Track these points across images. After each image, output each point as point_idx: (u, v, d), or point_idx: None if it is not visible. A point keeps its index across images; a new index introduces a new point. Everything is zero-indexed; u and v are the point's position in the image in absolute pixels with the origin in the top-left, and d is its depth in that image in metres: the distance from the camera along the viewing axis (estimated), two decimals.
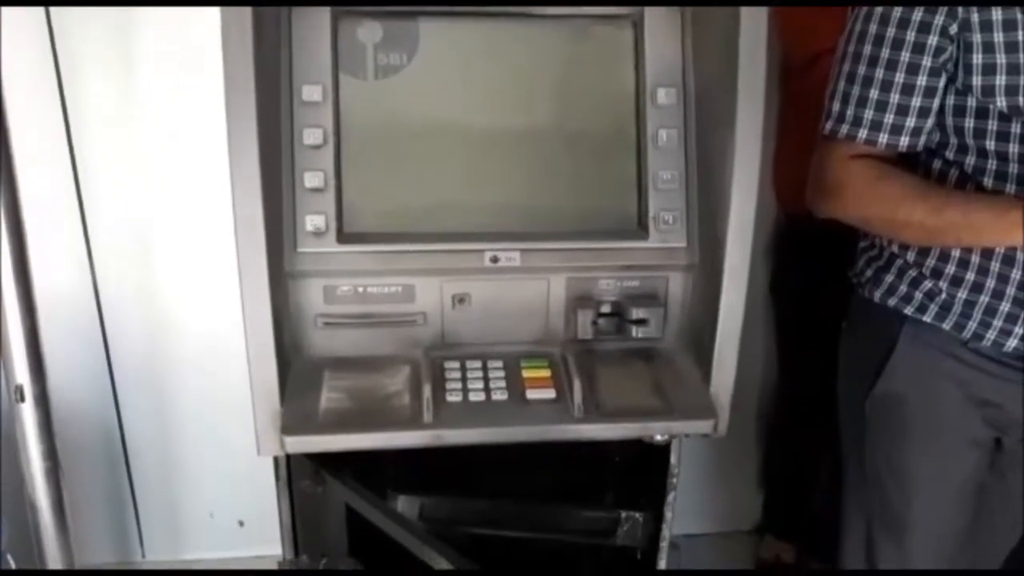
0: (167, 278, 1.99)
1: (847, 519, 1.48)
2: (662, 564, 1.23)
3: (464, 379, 1.03)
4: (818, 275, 1.69)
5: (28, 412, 1.63)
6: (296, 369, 1.03)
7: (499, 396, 1.01)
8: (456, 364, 1.05)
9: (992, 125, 1.11)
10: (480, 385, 1.02)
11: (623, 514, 1.09)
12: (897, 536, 1.38)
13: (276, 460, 1.07)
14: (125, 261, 1.98)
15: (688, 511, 2.22)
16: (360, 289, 1.03)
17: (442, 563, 0.88)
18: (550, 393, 1.02)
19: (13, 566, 1.71)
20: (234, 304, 1.02)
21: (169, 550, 2.19)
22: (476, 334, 1.07)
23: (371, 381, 1.02)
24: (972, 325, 1.20)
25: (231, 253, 1.02)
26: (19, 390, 1.61)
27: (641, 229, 1.06)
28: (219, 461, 2.13)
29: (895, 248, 1.27)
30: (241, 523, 2.17)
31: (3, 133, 1.38)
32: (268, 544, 2.11)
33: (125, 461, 2.14)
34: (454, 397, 1.01)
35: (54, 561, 1.73)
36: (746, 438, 2.26)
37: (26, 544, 1.75)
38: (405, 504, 1.05)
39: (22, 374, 1.61)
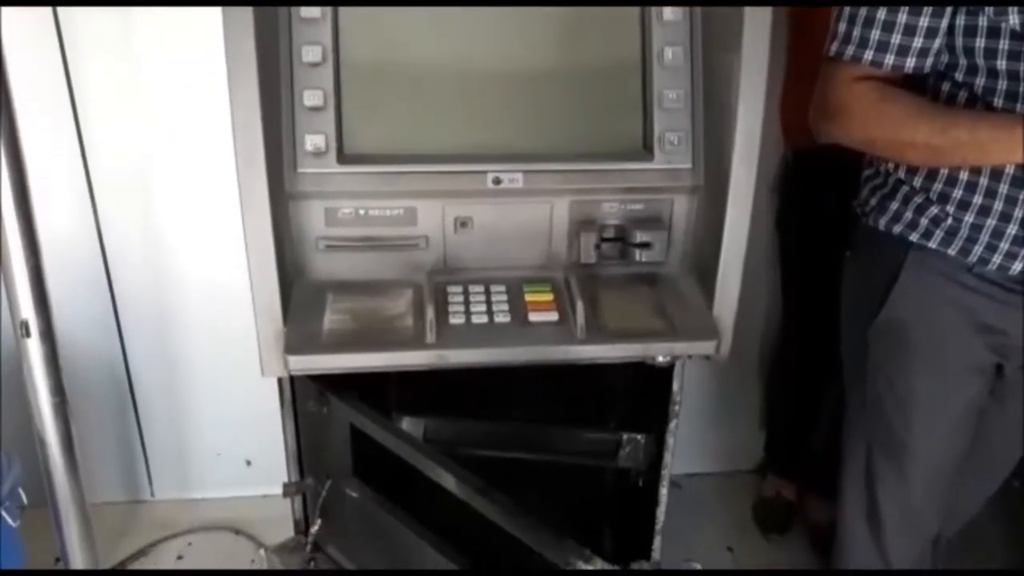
0: (170, 218, 1.98)
1: (847, 447, 1.49)
2: (663, 491, 1.24)
3: (467, 302, 1.03)
4: (823, 212, 1.68)
5: (34, 347, 1.64)
6: (299, 292, 1.03)
7: (502, 319, 1.01)
8: (459, 288, 1.04)
9: (1004, 44, 1.09)
10: (483, 308, 1.02)
11: (625, 436, 1.10)
12: (897, 461, 1.39)
13: (280, 383, 1.07)
14: (127, 200, 1.97)
15: (690, 451, 2.24)
16: (361, 211, 1.02)
17: (447, 479, 0.89)
18: (552, 316, 1.02)
19: (25, 502, 1.73)
20: (239, 244, 1.01)
21: (177, 489, 2.22)
22: (479, 258, 1.06)
23: (374, 304, 1.01)
24: (978, 249, 1.19)
25: (235, 189, 1.01)
26: (24, 325, 1.62)
27: (646, 151, 1.04)
28: (226, 401, 2.15)
29: (901, 174, 1.26)
30: (248, 462, 2.20)
31: (1, 71, 1.36)
32: (275, 483, 2.13)
33: (132, 401, 2.16)
34: (457, 319, 1.01)
35: (64, 497, 1.76)
36: (749, 378, 2.26)
37: (37, 480, 1.78)
38: (409, 426, 1.06)
39: (27, 309, 1.61)
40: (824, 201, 1.67)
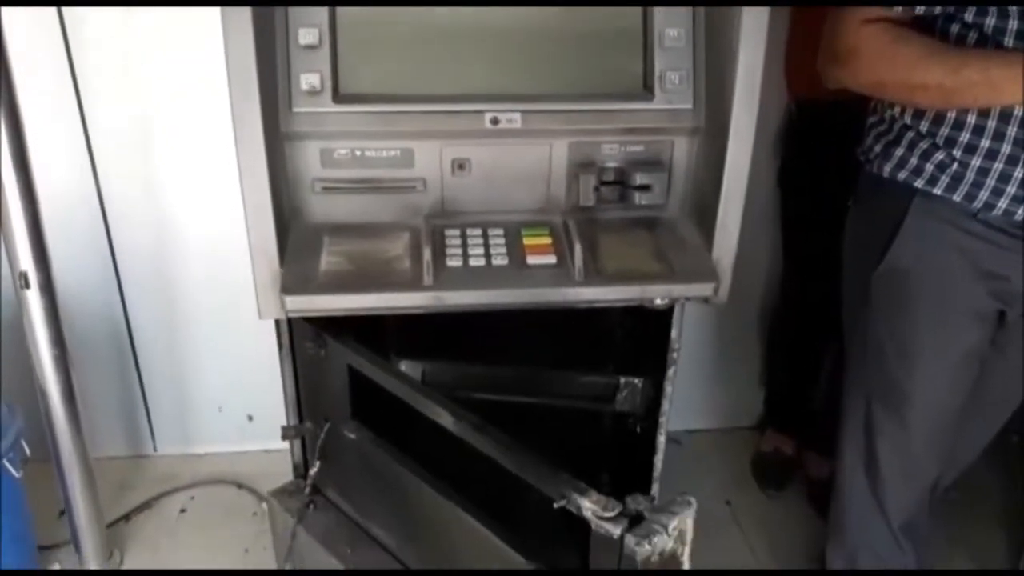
0: (170, 174, 1.97)
1: (847, 398, 1.49)
2: (661, 438, 1.24)
3: (464, 245, 1.02)
4: (826, 166, 1.67)
5: (34, 299, 1.64)
6: (295, 234, 1.02)
7: (499, 261, 1.01)
8: (456, 231, 1.04)
9: None
10: (480, 251, 1.02)
11: (622, 380, 1.09)
12: (897, 411, 1.40)
13: (278, 326, 1.07)
14: (126, 157, 1.95)
15: (690, 407, 2.25)
16: (358, 152, 1.01)
17: (444, 417, 0.89)
18: (551, 259, 1.02)
19: (28, 453, 1.74)
20: (239, 198, 1.00)
21: (180, 443, 2.24)
22: (476, 202, 1.06)
23: (371, 246, 1.01)
24: (984, 195, 1.18)
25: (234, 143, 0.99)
26: (23, 276, 1.62)
27: (646, 91, 1.03)
28: (227, 356, 2.16)
29: (907, 119, 1.24)
30: (250, 417, 2.21)
31: None
32: (277, 438, 2.14)
33: (133, 356, 2.16)
34: (454, 262, 1.00)
35: (66, 449, 1.77)
36: (749, 335, 2.27)
37: (39, 434, 1.79)
38: (407, 369, 1.06)
39: (26, 261, 1.61)
40: (827, 154, 1.66)
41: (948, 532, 1.93)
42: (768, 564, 1.93)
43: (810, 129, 1.84)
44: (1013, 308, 1.29)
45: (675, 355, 1.18)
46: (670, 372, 1.19)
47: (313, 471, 1.07)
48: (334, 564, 1.04)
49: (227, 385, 2.18)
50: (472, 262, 1.00)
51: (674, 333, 1.15)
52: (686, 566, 0.81)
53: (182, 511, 2.07)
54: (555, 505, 0.79)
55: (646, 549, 0.74)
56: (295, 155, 1.01)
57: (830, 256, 1.50)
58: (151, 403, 2.20)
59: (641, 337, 1.19)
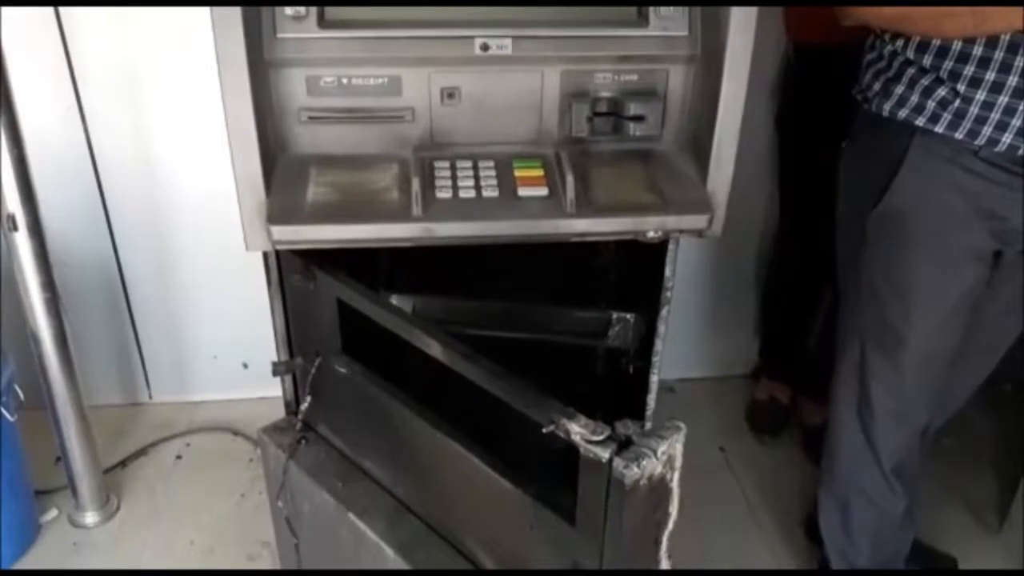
0: (160, 119, 1.95)
1: (841, 341, 1.49)
2: (654, 378, 1.24)
3: (454, 177, 1.00)
4: (823, 108, 1.64)
5: (23, 242, 1.63)
6: (282, 166, 1.00)
7: (490, 193, 0.99)
8: (446, 163, 1.02)
9: None
10: (471, 183, 1.00)
11: (615, 315, 1.09)
12: (891, 353, 1.40)
13: (266, 259, 1.05)
14: (113, 101, 1.92)
15: (684, 357, 2.25)
16: (344, 80, 0.99)
17: (433, 347, 0.88)
18: (542, 191, 1.00)
19: (22, 398, 1.75)
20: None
21: (175, 391, 2.25)
22: (466, 133, 1.03)
23: (359, 177, 0.99)
24: (987, 130, 1.17)
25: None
26: (11, 219, 1.60)
27: (641, 18, 1.00)
28: (221, 304, 2.15)
29: (909, 54, 1.22)
30: (245, 365, 2.22)
31: None
32: (272, 386, 2.15)
33: (127, 304, 2.16)
34: (444, 193, 0.98)
35: (60, 393, 1.77)
36: (744, 284, 2.26)
37: (34, 382, 1.79)
38: (397, 303, 1.05)
39: (13, 203, 1.59)
40: (825, 98, 1.64)
41: (941, 478, 1.95)
42: (761, 510, 1.95)
43: (808, 73, 1.81)
44: (1011, 246, 1.28)
45: (668, 294, 1.17)
46: (663, 312, 1.17)
47: (304, 406, 1.07)
48: (326, 498, 1.04)
49: (222, 333, 2.18)
50: (462, 194, 0.98)
51: (668, 270, 1.14)
52: (675, 492, 0.81)
53: (178, 457, 2.08)
54: (544, 430, 0.78)
55: (635, 472, 0.74)
56: (280, 83, 0.98)
57: (827, 202, 1.48)
58: (145, 351, 2.20)
59: (634, 274, 1.18)
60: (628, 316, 1.07)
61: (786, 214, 2.04)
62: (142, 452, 2.09)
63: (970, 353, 1.44)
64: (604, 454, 0.75)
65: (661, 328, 1.19)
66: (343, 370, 1.01)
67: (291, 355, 1.10)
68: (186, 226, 2.07)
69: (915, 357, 1.39)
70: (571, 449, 0.80)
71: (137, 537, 1.85)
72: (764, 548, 1.85)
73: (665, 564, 0.86)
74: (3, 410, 1.67)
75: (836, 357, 1.52)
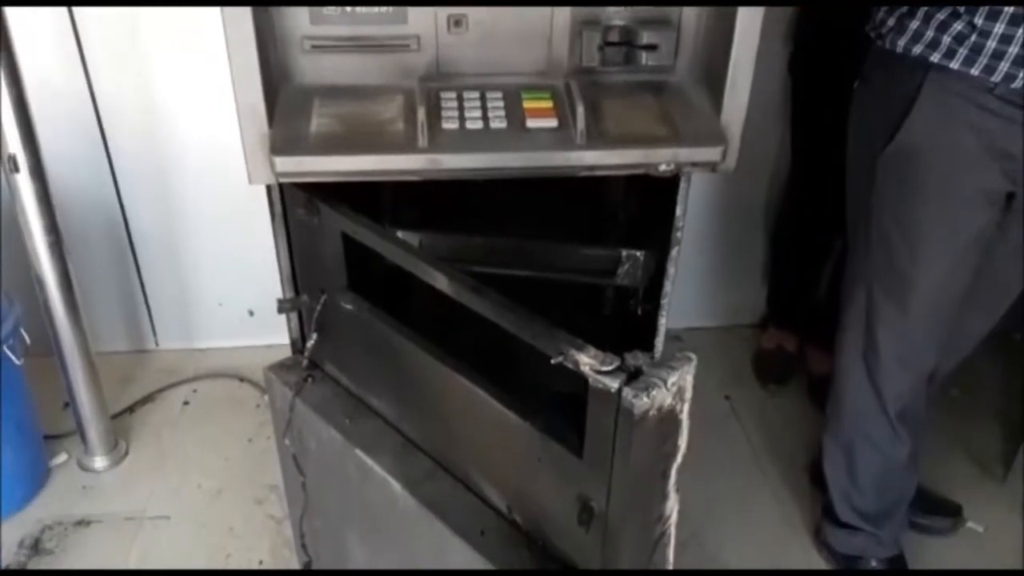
0: (162, 61, 1.91)
1: (849, 286, 1.48)
2: (662, 320, 1.23)
3: (461, 108, 0.97)
4: (837, 54, 1.60)
5: (24, 184, 1.61)
6: (284, 97, 0.98)
7: (498, 124, 0.96)
8: (452, 94, 0.99)
9: None
10: (478, 114, 0.97)
11: (624, 253, 1.07)
12: (898, 296, 1.38)
13: (269, 194, 1.04)
14: (114, 43, 1.89)
15: (691, 306, 2.24)
16: (348, 8, 0.96)
17: (439, 280, 0.87)
18: (551, 122, 0.97)
19: (28, 342, 1.75)
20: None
21: (181, 339, 2.25)
22: (473, 63, 1.01)
23: (363, 108, 0.97)
24: (1004, 66, 1.14)
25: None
26: (12, 160, 1.58)
27: None
28: (226, 251, 2.14)
29: None
30: (251, 312, 2.21)
31: None
32: (278, 333, 2.14)
33: (132, 251, 2.14)
34: (450, 124, 0.96)
35: (66, 338, 1.77)
36: (753, 234, 2.24)
37: (41, 327, 1.79)
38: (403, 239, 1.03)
39: (14, 143, 1.57)
40: (838, 41, 1.60)
41: (947, 429, 1.95)
42: (766, 457, 1.95)
43: (822, 15, 1.77)
44: (1023, 188, 1.26)
45: (679, 233, 1.15)
46: (673, 252, 1.16)
47: (310, 343, 1.06)
48: (333, 435, 1.03)
49: (227, 280, 2.17)
50: (469, 125, 0.96)
51: (679, 209, 1.12)
52: (684, 424, 0.80)
53: (185, 403, 2.09)
54: (552, 361, 0.77)
55: (644, 402, 0.73)
56: (283, 12, 0.95)
57: (839, 150, 1.46)
58: (151, 298, 2.20)
59: (644, 214, 1.16)
60: (638, 253, 1.06)
61: (797, 162, 2.01)
62: (149, 398, 2.09)
63: (979, 298, 1.42)
64: (613, 384, 0.74)
65: (671, 269, 1.17)
66: (349, 307, 1.00)
67: (296, 293, 1.08)
68: (190, 172, 2.05)
69: (923, 301, 1.38)
70: (578, 392, 0.79)
71: (145, 481, 1.87)
72: (768, 494, 1.86)
73: (673, 498, 0.86)
74: (10, 354, 1.67)
75: (843, 301, 1.51)
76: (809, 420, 2.00)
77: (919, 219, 1.31)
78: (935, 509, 1.77)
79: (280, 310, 1.08)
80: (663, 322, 1.23)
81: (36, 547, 1.70)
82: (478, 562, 0.89)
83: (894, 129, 1.27)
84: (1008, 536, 1.77)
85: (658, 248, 1.14)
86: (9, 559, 1.67)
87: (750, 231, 2.23)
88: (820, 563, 1.71)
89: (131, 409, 2.06)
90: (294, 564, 1.66)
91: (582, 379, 0.77)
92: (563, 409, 0.83)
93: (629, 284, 1.08)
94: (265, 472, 1.86)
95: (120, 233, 2.11)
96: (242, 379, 2.14)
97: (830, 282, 2.03)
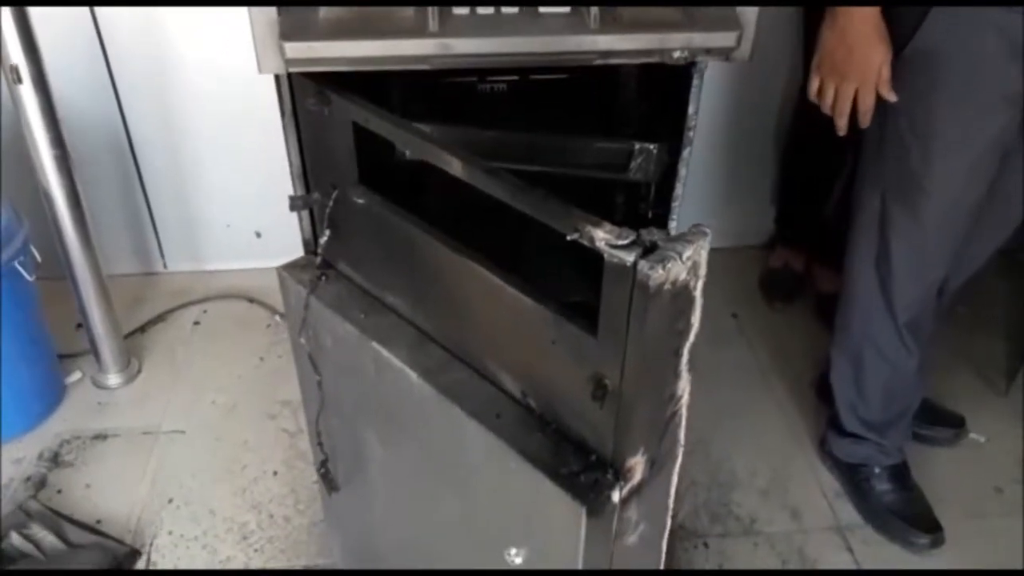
0: None
1: (861, 194, 1.47)
2: (672, 223, 1.22)
3: None
4: None
5: (28, 96, 1.60)
6: None
7: (510, 9, 0.95)
8: None
9: None
10: None
11: (637, 146, 1.06)
12: (912, 204, 1.37)
13: (279, 85, 1.02)
14: None
15: None
16: None
17: (455, 166, 0.86)
18: (564, 8, 0.96)
19: (38, 259, 1.75)
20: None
21: (190, 261, 2.26)
22: None
23: None
24: None
25: None
26: (15, 70, 1.56)
27: None
28: (233, 172, 2.13)
29: None
30: (258, 234, 2.22)
31: None
32: (285, 255, 2.16)
33: (138, 174, 2.14)
34: (461, 10, 0.94)
35: (77, 255, 1.77)
36: (761, 154, 2.22)
37: (50, 248, 1.79)
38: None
39: (16, 53, 1.55)
40: None
41: (952, 344, 1.97)
42: (772, 373, 1.98)
43: None
44: None
45: (691, 133, 1.14)
46: (685, 153, 1.15)
47: (323, 240, 1.06)
48: (349, 330, 1.04)
49: (234, 202, 2.17)
50: (480, 10, 0.94)
51: (691, 108, 1.11)
52: (698, 301, 0.81)
53: (196, 323, 2.11)
54: (568, 237, 0.77)
55: (660, 275, 0.73)
56: None
57: None
58: (158, 221, 2.20)
59: (657, 111, 1.15)
60: (651, 147, 1.05)
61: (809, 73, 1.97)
62: (160, 319, 2.11)
63: (993, 208, 1.41)
64: (629, 258, 0.74)
65: (682, 170, 1.17)
66: (361, 201, 1.00)
67: (307, 190, 1.08)
68: (195, 93, 2.03)
69: (936, 208, 1.37)
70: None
71: (160, 397, 1.90)
72: (774, 407, 1.89)
73: (685, 378, 0.87)
74: (22, 270, 1.68)
75: (854, 210, 1.50)
76: (815, 338, 2.02)
77: (935, 123, 1.29)
78: (938, 420, 1.80)
79: (292, 208, 1.08)
80: (673, 226, 1.23)
81: (55, 459, 1.74)
82: (494, 444, 0.90)
83: (912, 30, 1.24)
84: (1009, 447, 1.80)
85: (670, 145, 1.13)
86: (30, 471, 1.71)
87: (759, 152, 2.22)
88: (824, 474, 1.75)
89: (142, 329, 2.08)
90: (308, 475, 1.70)
91: (597, 257, 0.77)
92: (579, 280, 0.83)
93: (641, 179, 1.08)
94: (277, 389, 1.89)
95: (125, 156, 2.11)
96: (251, 300, 2.16)
97: (839, 200, 2.02)
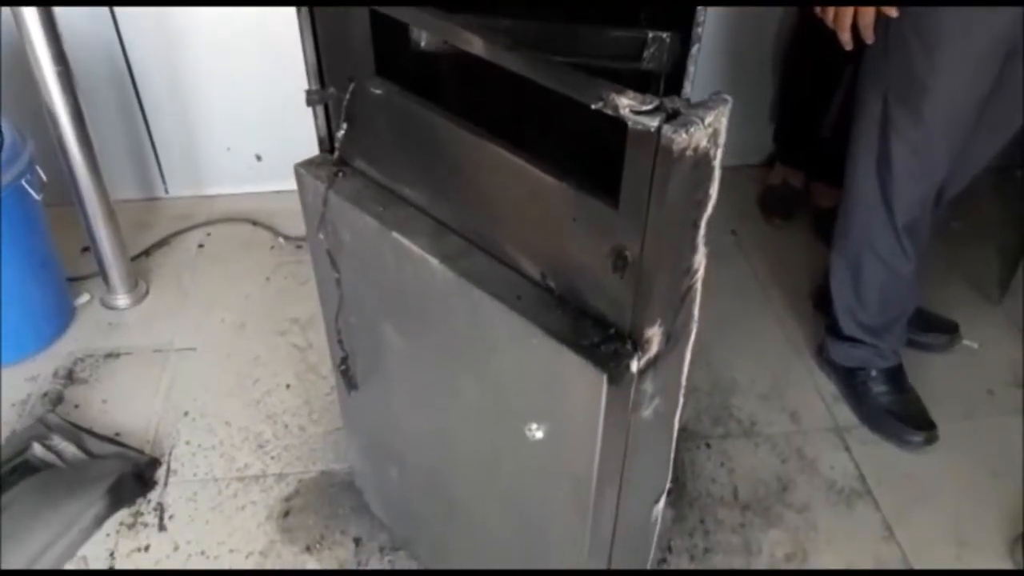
0: None
1: (863, 98, 1.49)
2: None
3: None
4: None
5: (29, 12, 1.58)
6: None
7: None
8: None
9: None
10: None
11: (650, 34, 1.07)
12: (914, 104, 1.39)
13: None
14: None
15: None
16: None
17: (476, 44, 0.88)
18: None
19: (44, 179, 1.75)
20: None
21: (191, 186, 2.26)
22: None
23: None
24: None
25: None
26: None
27: None
28: (232, 95, 2.12)
29: None
30: (258, 157, 2.22)
31: None
32: (286, 179, 2.16)
33: (137, 99, 2.12)
34: None
35: (82, 175, 1.77)
36: (760, 72, 2.22)
37: (55, 170, 1.79)
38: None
39: None
40: None
41: (947, 256, 2.01)
42: (771, 287, 2.01)
43: None
44: None
45: (700, 30, 1.15)
46: (694, 49, 1.16)
47: (340, 134, 1.07)
48: (368, 222, 1.06)
49: (234, 125, 2.16)
50: None
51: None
52: (716, 172, 0.83)
53: (200, 246, 2.12)
54: (592, 106, 0.79)
55: (683, 139, 0.75)
56: None
57: None
58: (159, 145, 2.19)
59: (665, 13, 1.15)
60: (664, 35, 1.06)
61: None
62: (164, 242, 2.12)
63: (995, 108, 1.43)
64: (653, 123, 0.76)
65: (691, 68, 1.18)
66: (379, 91, 1.01)
67: (323, 84, 1.09)
68: (193, 13, 2.01)
69: (938, 107, 1.39)
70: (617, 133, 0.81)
71: (169, 317, 1.92)
72: (773, 318, 1.93)
73: (701, 251, 0.90)
74: (29, 188, 1.68)
75: (856, 113, 1.52)
76: (813, 252, 2.06)
77: (939, 21, 1.30)
78: (933, 327, 1.85)
79: (308, 102, 1.09)
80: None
81: (70, 376, 1.77)
82: (516, 323, 0.93)
83: None
84: (1002, 353, 1.86)
85: (683, 25, 1.13)
86: (46, 387, 1.74)
87: (758, 71, 2.22)
88: (822, 379, 1.80)
89: (147, 253, 2.10)
90: (320, 388, 1.74)
91: (620, 126, 0.79)
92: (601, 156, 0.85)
93: (655, 68, 1.09)
94: (285, 307, 1.92)
95: (124, 81, 2.09)
96: (255, 223, 2.17)
97: (837, 117, 2.04)
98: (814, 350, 1.84)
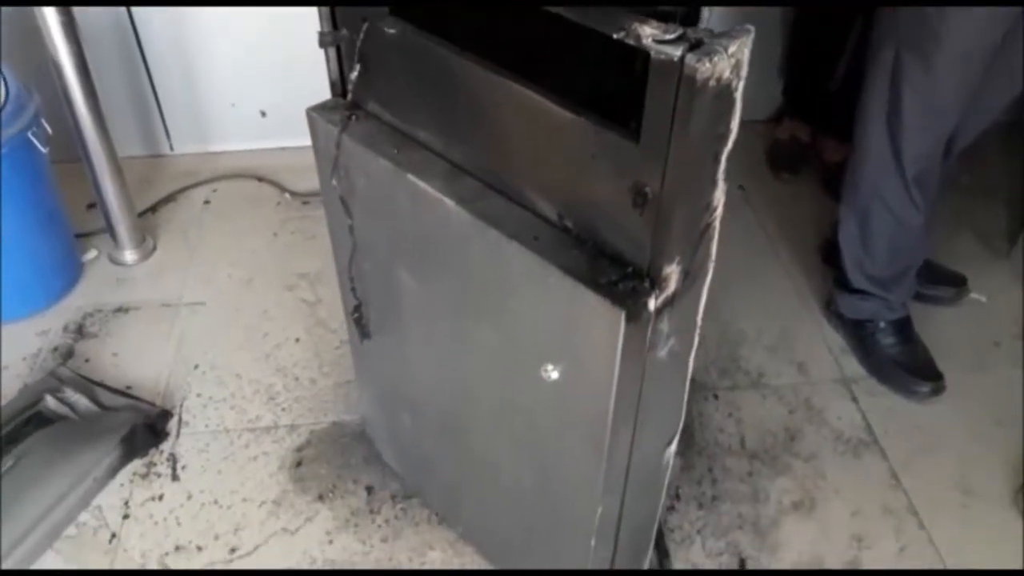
0: None
1: (875, 49, 1.47)
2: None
3: None
4: None
5: None
6: None
7: None
8: None
9: None
10: None
11: None
12: (926, 54, 1.38)
13: None
14: None
15: None
16: None
17: None
18: None
19: (50, 131, 1.74)
20: None
21: (196, 142, 2.25)
22: None
23: None
24: None
25: None
26: None
27: None
28: (236, 50, 2.10)
29: None
30: (263, 113, 2.20)
31: None
32: (290, 135, 2.15)
33: (141, 55, 2.10)
34: None
35: (88, 128, 1.76)
36: (772, 28, 2.20)
37: (61, 126, 1.77)
38: None
39: None
40: None
41: (955, 210, 2.01)
42: (779, 241, 2.01)
43: None
44: None
45: None
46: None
47: (353, 75, 1.06)
48: (382, 165, 1.06)
49: (238, 80, 2.14)
50: None
51: None
52: (738, 104, 0.83)
53: (206, 202, 2.12)
54: (615, 36, 0.78)
55: (707, 68, 0.75)
56: None
57: None
58: (163, 101, 2.18)
59: None
60: None
61: None
62: (170, 199, 2.12)
63: (1006, 59, 1.42)
64: (676, 52, 0.75)
65: (705, 13, 1.17)
66: (392, 31, 1.00)
67: (335, 27, 1.08)
68: None
69: (949, 56, 1.38)
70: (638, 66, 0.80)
71: (176, 272, 1.92)
72: (781, 272, 1.93)
73: (721, 187, 0.89)
74: (35, 141, 1.67)
75: (868, 64, 1.51)
76: (821, 207, 2.05)
77: None
78: (941, 280, 1.85)
79: (321, 44, 1.08)
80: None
81: (80, 331, 1.77)
82: (533, 262, 0.93)
83: None
84: (1009, 305, 1.86)
85: None
86: (57, 341, 1.74)
87: (767, 25, 2.20)
88: (829, 332, 1.80)
89: (153, 209, 2.09)
90: (329, 341, 1.74)
91: (642, 58, 0.78)
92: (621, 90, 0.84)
93: (671, 5, 1.08)
94: (293, 262, 1.92)
95: (128, 37, 2.06)
96: (260, 179, 2.16)
97: (845, 71, 2.02)
98: (822, 304, 1.85)
